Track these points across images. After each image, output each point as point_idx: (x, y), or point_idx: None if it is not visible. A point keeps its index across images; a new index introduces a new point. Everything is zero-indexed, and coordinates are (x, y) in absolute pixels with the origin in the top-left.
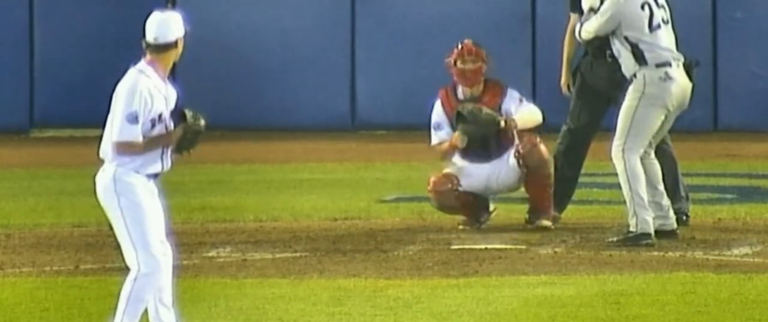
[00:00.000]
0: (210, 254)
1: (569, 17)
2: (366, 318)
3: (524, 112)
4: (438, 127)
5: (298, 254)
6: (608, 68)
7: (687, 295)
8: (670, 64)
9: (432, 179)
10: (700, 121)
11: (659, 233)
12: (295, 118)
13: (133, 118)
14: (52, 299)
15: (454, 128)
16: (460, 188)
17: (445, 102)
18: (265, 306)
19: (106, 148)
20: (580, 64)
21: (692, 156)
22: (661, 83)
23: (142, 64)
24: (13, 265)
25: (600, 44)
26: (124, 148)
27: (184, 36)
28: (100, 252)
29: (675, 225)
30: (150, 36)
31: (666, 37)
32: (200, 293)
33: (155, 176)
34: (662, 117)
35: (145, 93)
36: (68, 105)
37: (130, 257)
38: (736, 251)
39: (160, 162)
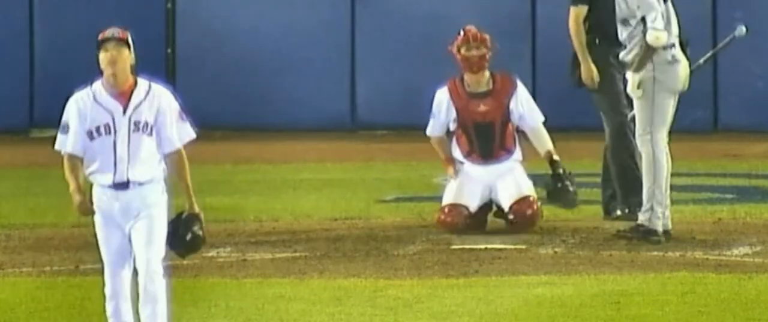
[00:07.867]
0: (210, 254)
1: (569, 10)
2: (366, 318)
3: (543, 133)
4: (434, 115)
5: (298, 254)
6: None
7: (687, 295)
8: (674, 45)
9: (441, 218)
10: (700, 121)
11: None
12: (295, 118)
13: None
14: (52, 299)
15: (456, 120)
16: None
17: (452, 92)
18: (265, 306)
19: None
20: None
21: (692, 156)
22: (669, 67)
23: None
24: (13, 265)
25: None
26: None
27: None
28: (100, 252)
29: (669, 225)
30: None
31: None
32: (200, 293)
33: (116, 186)
34: (673, 101)
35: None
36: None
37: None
38: (736, 251)
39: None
